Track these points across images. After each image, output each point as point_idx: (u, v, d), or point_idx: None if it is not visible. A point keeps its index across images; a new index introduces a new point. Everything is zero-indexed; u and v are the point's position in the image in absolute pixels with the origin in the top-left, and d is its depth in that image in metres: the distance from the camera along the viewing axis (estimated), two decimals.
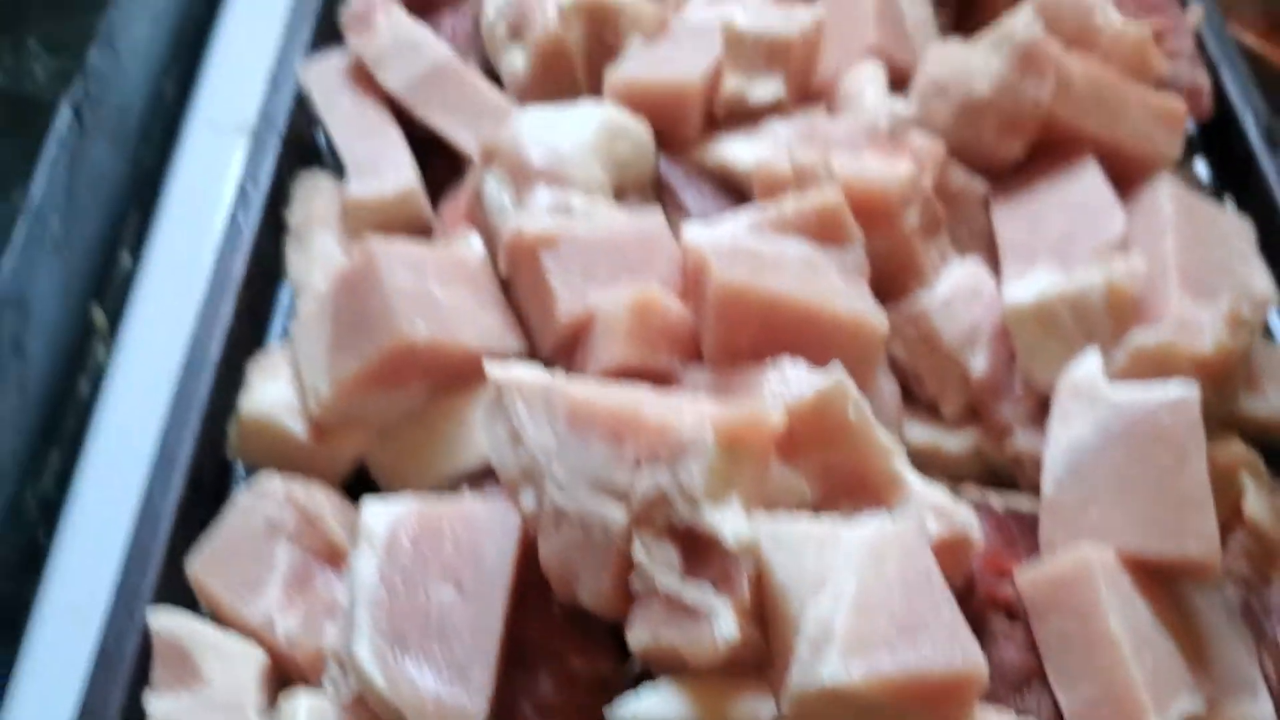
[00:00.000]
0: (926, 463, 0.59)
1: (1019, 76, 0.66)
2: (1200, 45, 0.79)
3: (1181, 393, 0.52)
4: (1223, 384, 0.56)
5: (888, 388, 0.60)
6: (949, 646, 0.46)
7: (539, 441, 0.50)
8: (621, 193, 0.68)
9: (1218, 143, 0.77)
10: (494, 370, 0.53)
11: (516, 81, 0.74)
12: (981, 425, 0.61)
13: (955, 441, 0.61)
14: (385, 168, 0.71)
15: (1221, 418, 0.58)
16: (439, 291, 0.60)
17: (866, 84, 0.70)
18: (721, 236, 0.59)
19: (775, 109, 0.70)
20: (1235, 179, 0.75)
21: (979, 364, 0.60)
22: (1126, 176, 0.67)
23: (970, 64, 0.67)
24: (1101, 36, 0.71)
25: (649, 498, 0.47)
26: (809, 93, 0.72)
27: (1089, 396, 0.54)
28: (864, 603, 0.46)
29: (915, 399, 0.62)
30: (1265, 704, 0.52)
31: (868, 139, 0.66)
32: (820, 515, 0.50)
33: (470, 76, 0.74)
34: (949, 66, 0.69)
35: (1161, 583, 0.53)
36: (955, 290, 0.61)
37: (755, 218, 0.60)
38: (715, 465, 0.46)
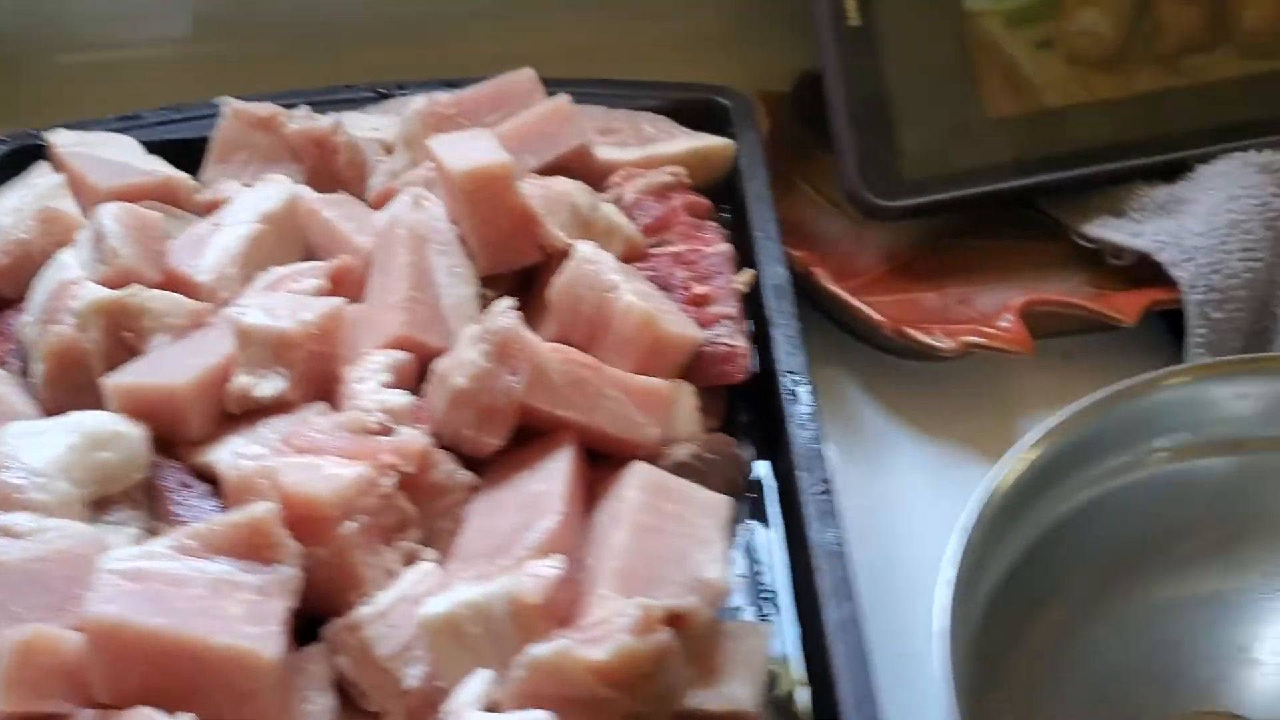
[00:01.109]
0: None
1: (495, 367, 0.66)
2: (758, 307, 0.80)
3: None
4: (640, 688, 0.54)
5: (320, 702, 0.57)
6: None
7: None
8: (108, 502, 0.67)
9: (759, 402, 0.77)
10: None
11: (34, 388, 0.73)
12: None
13: None
14: None
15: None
16: None
17: (367, 376, 0.70)
18: (133, 562, 0.57)
19: (282, 406, 0.70)
20: (771, 441, 0.76)
21: (413, 676, 0.58)
22: (613, 459, 0.67)
23: (460, 355, 0.68)
24: (614, 312, 0.72)
25: None
26: (327, 386, 0.72)
27: None
28: None
29: (363, 715, 0.59)
30: None
31: (349, 437, 0.65)
32: None
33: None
34: (450, 357, 0.69)
35: None
36: (396, 599, 0.59)
37: (183, 536, 0.59)
38: None
